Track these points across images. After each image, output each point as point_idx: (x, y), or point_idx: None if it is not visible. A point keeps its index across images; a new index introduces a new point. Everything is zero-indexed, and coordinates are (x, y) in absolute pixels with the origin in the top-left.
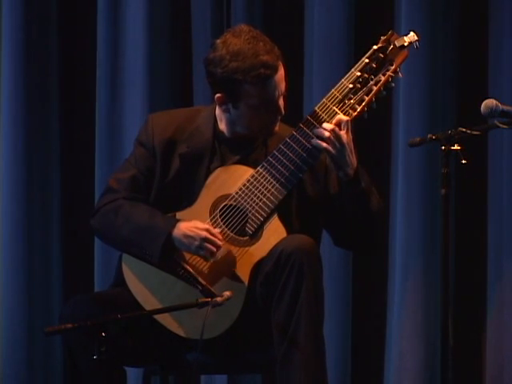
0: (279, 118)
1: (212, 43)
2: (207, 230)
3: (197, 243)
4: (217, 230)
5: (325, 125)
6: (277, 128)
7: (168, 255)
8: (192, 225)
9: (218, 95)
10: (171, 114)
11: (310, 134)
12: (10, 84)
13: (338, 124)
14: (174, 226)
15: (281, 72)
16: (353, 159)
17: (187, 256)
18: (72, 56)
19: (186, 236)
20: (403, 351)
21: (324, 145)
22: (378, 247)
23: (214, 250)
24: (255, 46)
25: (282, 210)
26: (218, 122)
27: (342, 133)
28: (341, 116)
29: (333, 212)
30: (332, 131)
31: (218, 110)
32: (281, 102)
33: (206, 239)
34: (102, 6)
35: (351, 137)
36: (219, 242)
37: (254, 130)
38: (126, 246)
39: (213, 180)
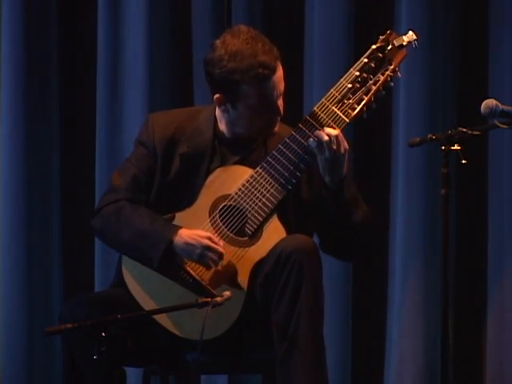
0: (278, 118)
1: (211, 44)
2: (209, 238)
3: (198, 251)
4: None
5: (329, 130)
6: (276, 128)
7: (168, 261)
8: (193, 232)
9: (216, 96)
10: (171, 114)
11: (309, 134)
12: (11, 84)
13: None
14: (175, 232)
15: (279, 72)
16: (344, 169)
17: (186, 260)
18: (72, 56)
19: (188, 244)
20: (403, 351)
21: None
22: (366, 257)
23: (216, 258)
24: (253, 47)
25: (280, 210)
26: (218, 123)
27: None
28: (329, 130)
29: (322, 216)
30: (335, 136)
31: (217, 111)
32: (280, 102)
33: (207, 247)
34: (101, 6)
35: (347, 147)
36: (221, 250)
37: (254, 130)
38: (126, 249)
39: (212, 180)
